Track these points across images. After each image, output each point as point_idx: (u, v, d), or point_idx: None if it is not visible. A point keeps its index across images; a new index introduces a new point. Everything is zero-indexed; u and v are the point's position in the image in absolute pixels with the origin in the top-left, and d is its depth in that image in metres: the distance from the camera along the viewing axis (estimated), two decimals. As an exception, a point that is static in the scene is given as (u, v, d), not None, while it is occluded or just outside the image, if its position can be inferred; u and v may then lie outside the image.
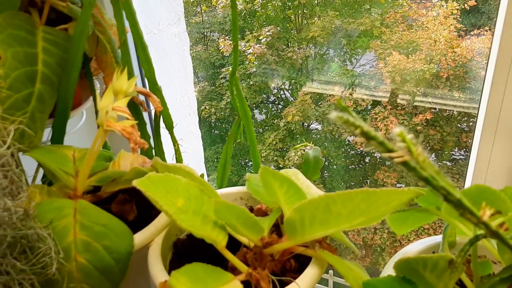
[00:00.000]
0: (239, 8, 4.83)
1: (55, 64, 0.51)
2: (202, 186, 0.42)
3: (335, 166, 4.73)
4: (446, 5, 4.26)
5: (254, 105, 5.04)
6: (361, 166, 4.83)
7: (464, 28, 4.24)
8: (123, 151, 0.54)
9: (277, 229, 0.44)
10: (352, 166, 4.83)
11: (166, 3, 0.95)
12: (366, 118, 4.36)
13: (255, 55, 4.70)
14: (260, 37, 4.80)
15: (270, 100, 5.30)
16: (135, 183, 0.37)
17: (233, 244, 0.40)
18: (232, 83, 0.66)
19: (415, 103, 4.28)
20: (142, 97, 0.60)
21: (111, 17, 0.58)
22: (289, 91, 5.13)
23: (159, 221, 0.46)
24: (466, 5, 4.24)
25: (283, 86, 5.14)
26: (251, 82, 4.86)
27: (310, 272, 0.39)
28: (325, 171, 4.75)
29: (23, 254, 0.35)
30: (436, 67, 4.16)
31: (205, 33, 5.39)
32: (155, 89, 0.59)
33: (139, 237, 0.43)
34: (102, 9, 0.59)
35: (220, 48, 4.98)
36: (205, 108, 4.95)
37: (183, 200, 0.39)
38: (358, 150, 4.67)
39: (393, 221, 0.46)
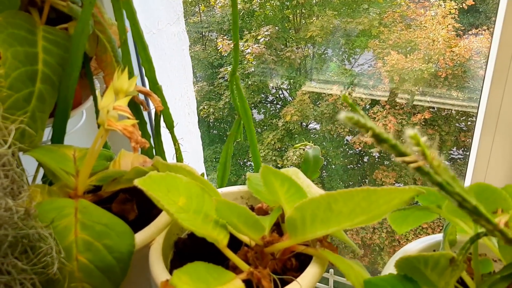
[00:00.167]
0: (238, 8, 4.81)
1: (55, 64, 0.51)
2: (203, 185, 0.42)
3: (333, 166, 4.72)
4: (444, 5, 4.26)
5: (253, 105, 5.03)
6: (359, 165, 4.83)
7: (462, 28, 4.24)
8: (123, 150, 0.54)
9: (278, 228, 0.44)
10: (351, 165, 4.82)
11: (165, 3, 0.95)
12: (365, 117, 4.34)
13: (254, 55, 4.69)
14: (259, 37, 4.80)
15: (268, 100, 5.29)
16: (136, 182, 0.37)
17: (234, 243, 0.40)
18: (233, 82, 0.65)
19: (414, 103, 4.29)
20: (142, 97, 0.60)
21: (111, 17, 0.58)
22: (288, 90, 5.12)
23: (160, 220, 0.46)
24: (464, 4, 4.24)
25: (281, 86, 5.13)
26: (249, 82, 4.85)
27: (311, 271, 0.39)
28: (324, 171, 4.75)
29: (24, 254, 0.35)
30: (435, 67, 4.16)
31: (203, 33, 5.38)
32: (156, 88, 0.59)
33: (140, 237, 0.43)
34: (101, 9, 0.59)
35: (219, 48, 4.97)
36: (204, 108, 4.94)
37: (184, 199, 0.39)
38: (357, 149, 4.67)
39: (393, 219, 0.46)
